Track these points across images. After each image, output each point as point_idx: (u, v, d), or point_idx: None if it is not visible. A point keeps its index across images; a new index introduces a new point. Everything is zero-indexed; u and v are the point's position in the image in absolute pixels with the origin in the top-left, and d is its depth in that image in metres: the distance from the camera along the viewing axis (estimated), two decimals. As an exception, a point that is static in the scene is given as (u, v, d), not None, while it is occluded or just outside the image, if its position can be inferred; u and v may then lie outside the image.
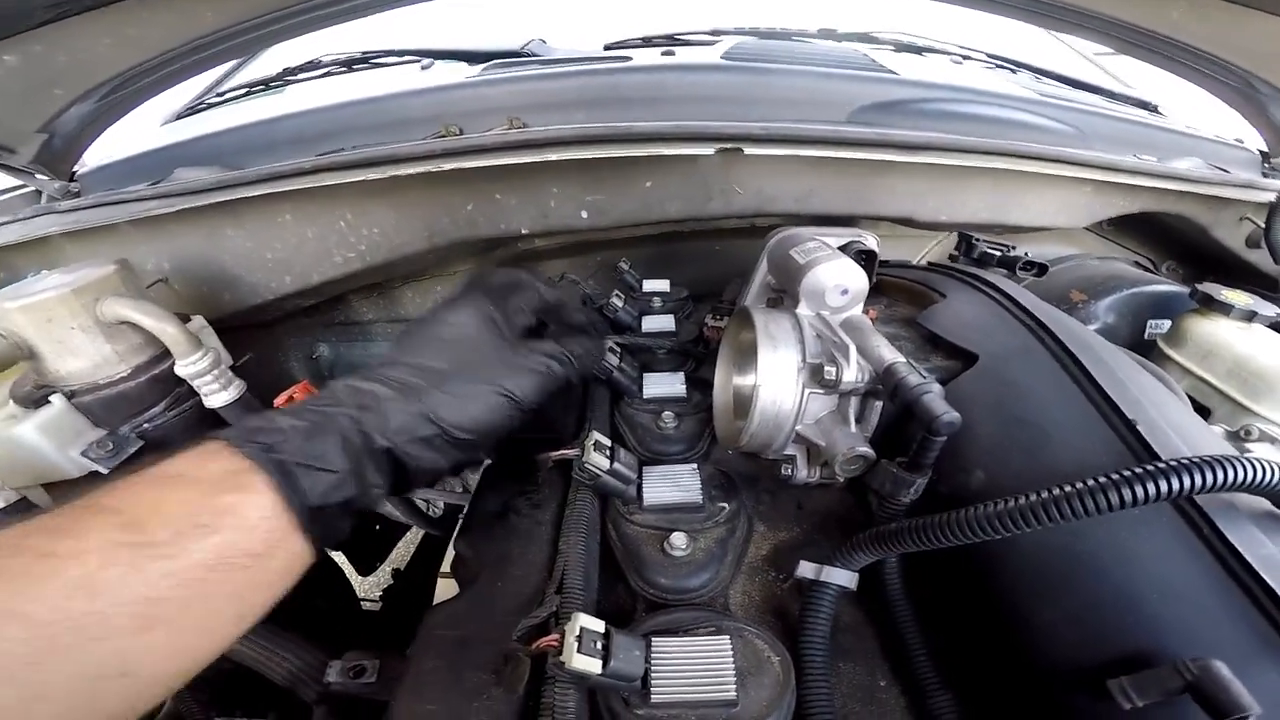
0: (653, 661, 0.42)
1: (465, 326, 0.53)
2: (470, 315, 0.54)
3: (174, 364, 0.73)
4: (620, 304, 0.83)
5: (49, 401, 0.68)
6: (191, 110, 1.30)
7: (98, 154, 1.03)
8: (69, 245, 0.88)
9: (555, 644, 0.40)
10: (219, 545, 0.35)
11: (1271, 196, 1.00)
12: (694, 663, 0.42)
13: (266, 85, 1.31)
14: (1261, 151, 1.18)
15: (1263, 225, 1.02)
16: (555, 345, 0.56)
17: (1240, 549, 0.37)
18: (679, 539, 0.54)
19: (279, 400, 0.79)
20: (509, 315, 0.57)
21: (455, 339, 0.53)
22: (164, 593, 0.33)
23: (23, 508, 0.60)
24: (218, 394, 0.74)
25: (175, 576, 0.33)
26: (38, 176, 0.95)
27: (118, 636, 0.32)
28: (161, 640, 0.34)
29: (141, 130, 1.20)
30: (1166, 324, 0.86)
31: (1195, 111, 1.30)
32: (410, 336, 0.54)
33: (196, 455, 0.39)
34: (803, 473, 0.57)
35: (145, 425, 0.73)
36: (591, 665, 0.38)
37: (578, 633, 0.39)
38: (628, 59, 1.14)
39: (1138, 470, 0.37)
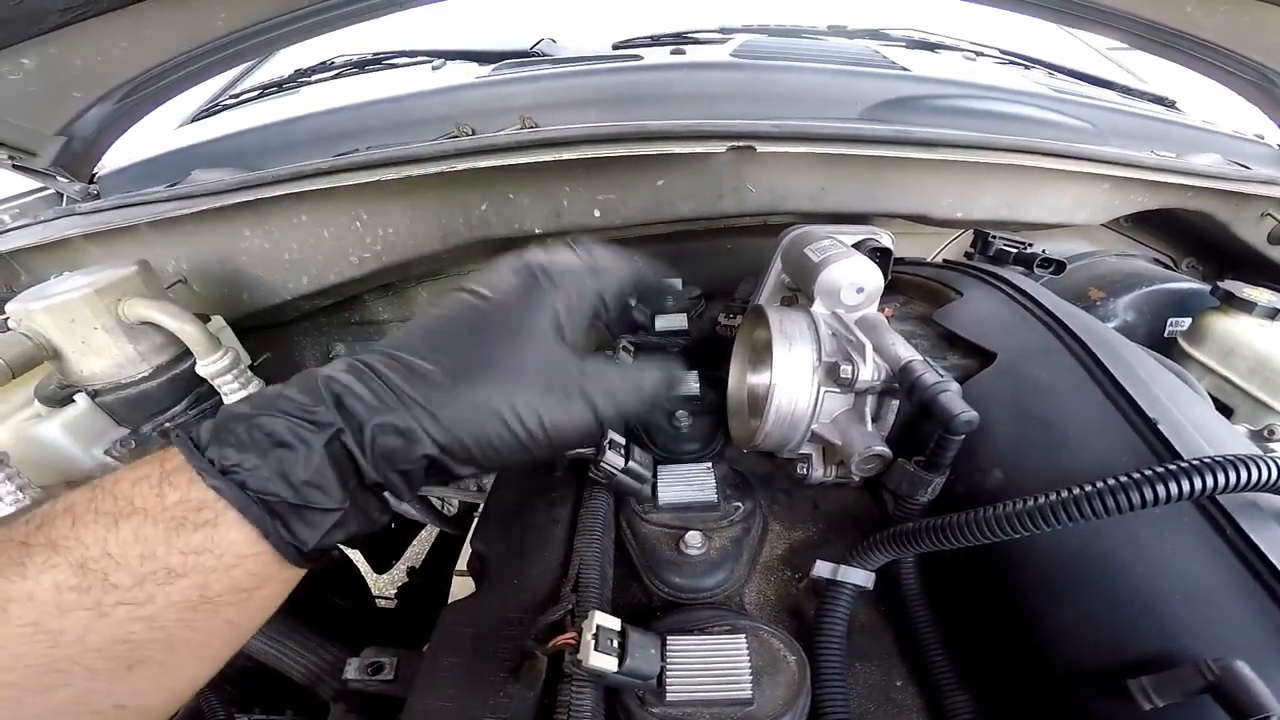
0: (668, 660, 0.42)
1: (503, 305, 0.40)
2: (516, 287, 0.41)
3: (195, 364, 0.74)
4: (633, 302, 0.83)
5: (73, 401, 0.69)
6: (206, 112, 1.32)
7: (116, 156, 1.04)
8: (90, 247, 0.89)
9: (572, 642, 0.41)
10: (192, 588, 0.32)
11: (1293, 192, 0.98)
12: (709, 661, 0.42)
13: (280, 87, 1.32)
14: (1282, 146, 1.17)
15: (1285, 221, 1.01)
16: (633, 373, 0.43)
17: (1264, 549, 0.37)
18: (694, 538, 0.54)
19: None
20: (579, 302, 0.43)
21: (482, 323, 0.40)
22: (142, 635, 0.31)
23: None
24: (238, 393, 0.75)
25: (149, 621, 0.31)
26: (58, 179, 0.96)
27: (98, 678, 0.30)
28: (153, 674, 0.32)
29: (158, 133, 1.21)
30: (1187, 322, 0.85)
31: (1213, 107, 1.28)
32: (436, 308, 0.42)
33: (153, 478, 0.33)
34: (818, 472, 0.57)
35: (167, 424, 0.74)
36: (607, 663, 0.39)
37: (594, 631, 0.39)
38: (638, 58, 1.14)
39: (1159, 470, 0.36)
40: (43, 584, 0.29)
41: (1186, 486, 0.36)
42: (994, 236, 0.84)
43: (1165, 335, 0.89)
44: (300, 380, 0.38)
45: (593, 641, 0.39)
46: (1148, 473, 0.37)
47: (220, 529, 0.32)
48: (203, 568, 0.32)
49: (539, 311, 0.41)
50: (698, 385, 0.72)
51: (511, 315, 0.40)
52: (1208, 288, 0.83)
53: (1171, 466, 0.36)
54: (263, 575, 0.34)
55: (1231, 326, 0.77)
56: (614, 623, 0.41)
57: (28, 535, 0.31)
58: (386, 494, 0.39)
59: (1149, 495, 0.36)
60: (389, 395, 0.36)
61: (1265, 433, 0.71)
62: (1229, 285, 0.78)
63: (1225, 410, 0.76)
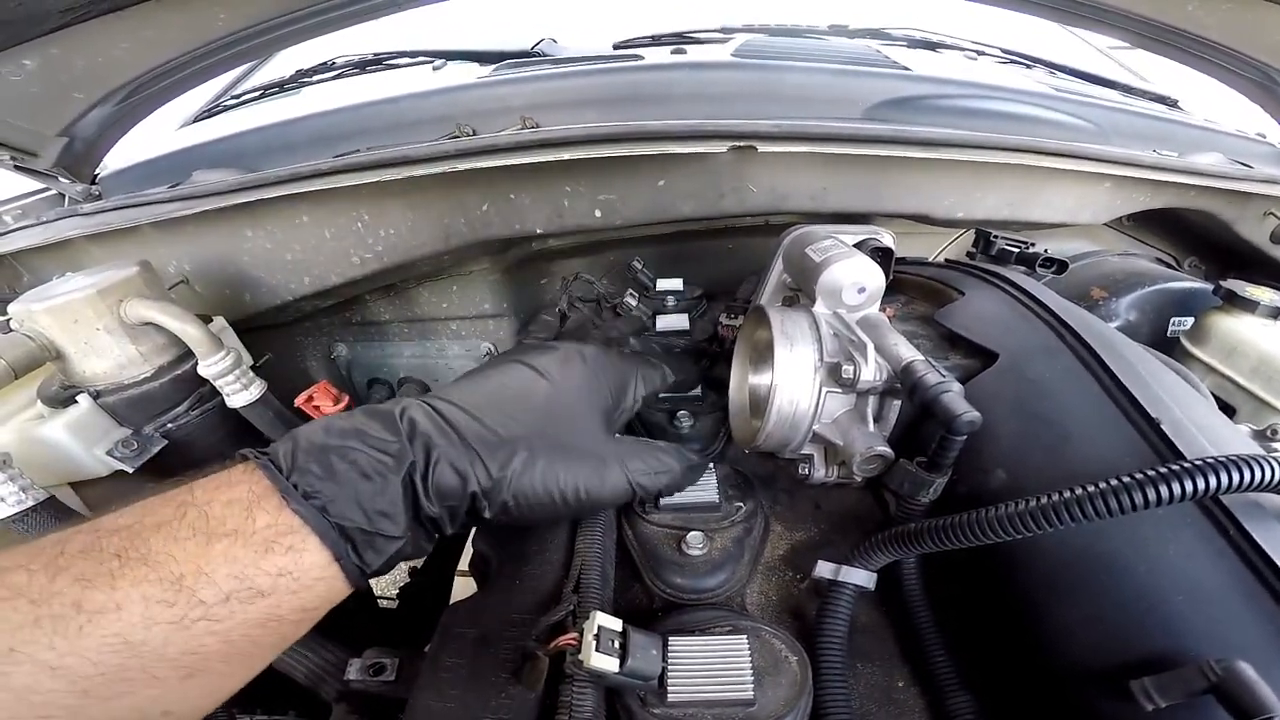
0: (669, 660, 0.42)
1: (558, 386, 0.47)
2: (571, 373, 0.48)
3: (196, 364, 0.74)
4: (634, 303, 0.83)
5: (75, 401, 0.69)
6: (207, 113, 1.32)
7: (118, 157, 1.05)
8: (92, 248, 0.90)
9: (573, 642, 0.41)
10: (270, 607, 0.35)
11: (1296, 191, 0.98)
12: (711, 662, 0.42)
13: (281, 87, 1.32)
14: (1285, 146, 1.16)
15: (1287, 220, 1.01)
16: (658, 457, 0.51)
17: (1267, 550, 0.37)
18: (695, 538, 0.54)
19: (299, 400, 0.80)
20: (622, 393, 0.51)
21: (547, 399, 0.46)
22: (210, 647, 0.33)
23: (51, 506, 0.61)
24: (240, 394, 0.75)
25: (223, 635, 0.33)
26: (60, 180, 0.96)
27: (160, 685, 0.32)
28: (205, 683, 0.34)
29: (159, 134, 1.22)
30: (1189, 321, 0.85)
31: (1215, 106, 1.28)
32: (499, 373, 0.47)
33: (244, 501, 0.36)
34: (820, 472, 0.56)
35: (169, 425, 0.74)
36: (609, 664, 0.39)
37: (595, 631, 0.39)
38: (639, 58, 1.14)
39: (1162, 470, 0.36)
40: (132, 597, 0.31)
41: (1189, 487, 0.36)
42: (996, 236, 0.84)
43: (1168, 335, 0.89)
44: (377, 414, 0.42)
45: (594, 642, 0.39)
46: (1151, 473, 0.36)
47: (304, 554, 0.36)
48: (283, 589, 0.35)
49: (588, 396, 0.48)
50: (699, 385, 0.73)
51: (564, 396, 0.47)
52: (1210, 287, 0.83)
53: (1174, 467, 0.36)
54: (327, 597, 0.38)
55: (1234, 326, 0.77)
56: (615, 623, 0.41)
57: (120, 548, 0.32)
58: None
59: (1152, 496, 0.36)
60: (454, 437, 0.42)
61: (1268, 432, 0.70)
62: (1231, 284, 0.78)
63: (1228, 410, 0.76)
